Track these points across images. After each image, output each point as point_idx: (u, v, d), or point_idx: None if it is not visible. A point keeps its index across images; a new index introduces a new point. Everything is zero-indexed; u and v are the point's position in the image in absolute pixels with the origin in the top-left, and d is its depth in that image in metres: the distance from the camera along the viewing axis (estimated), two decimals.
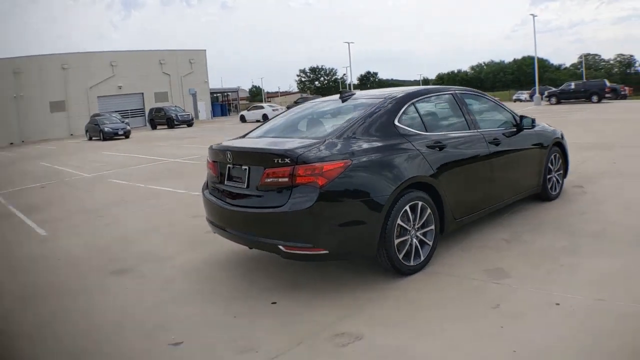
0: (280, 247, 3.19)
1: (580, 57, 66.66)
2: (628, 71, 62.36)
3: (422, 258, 3.53)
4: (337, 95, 4.39)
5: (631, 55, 65.38)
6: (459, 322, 2.78)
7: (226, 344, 2.78)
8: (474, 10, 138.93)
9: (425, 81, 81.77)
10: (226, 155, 3.64)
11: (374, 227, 3.23)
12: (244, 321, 3.06)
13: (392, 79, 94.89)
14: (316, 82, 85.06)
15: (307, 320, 2.98)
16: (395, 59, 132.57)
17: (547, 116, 16.57)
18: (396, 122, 3.65)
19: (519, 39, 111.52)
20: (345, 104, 4.16)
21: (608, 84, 30.77)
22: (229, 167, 3.66)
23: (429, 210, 3.53)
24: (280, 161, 3.20)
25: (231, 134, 8.04)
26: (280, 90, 76.64)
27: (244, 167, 3.50)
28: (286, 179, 3.17)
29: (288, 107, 22.39)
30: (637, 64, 64.25)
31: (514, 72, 70.66)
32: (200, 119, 41.40)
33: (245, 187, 3.47)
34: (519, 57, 74.96)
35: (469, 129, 4.16)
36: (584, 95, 29.00)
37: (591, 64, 63.46)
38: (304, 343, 2.71)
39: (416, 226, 3.48)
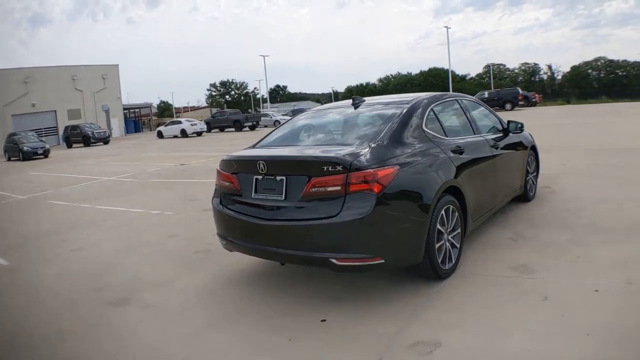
0: (333, 260, 3.03)
1: (486, 66, 71.68)
2: (533, 79, 66.50)
3: (454, 261, 3.59)
4: (348, 102, 4.35)
5: (535, 64, 70.92)
6: (521, 317, 2.85)
7: None
8: (378, 23, 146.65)
9: (336, 94, 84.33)
10: (257, 165, 3.38)
11: (422, 233, 3.22)
12: (303, 344, 2.84)
13: (300, 92, 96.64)
14: (227, 96, 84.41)
15: (369, 333, 2.85)
16: (303, 72, 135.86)
17: None
18: (424, 127, 3.69)
19: (424, 50, 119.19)
20: (361, 110, 4.12)
21: (521, 92, 34.08)
22: (257, 179, 3.42)
23: (457, 214, 3.61)
24: (330, 169, 3.05)
25: (153, 149, 7.62)
26: (190, 105, 75.22)
27: (278, 177, 3.30)
28: (338, 188, 3.03)
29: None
30: (541, 72, 70.01)
31: (421, 83, 74.62)
32: (114, 136, 38.89)
33: (282, 198, 3.26)
34: (425, 68, 79.71)
35: (474, 134, 4.34)
36: (497, 104, 30.94)
37: (496, 74, 68.60)
38: (384, 358, 2.60)
39: (448, 230, 3.53)
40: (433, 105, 3.99)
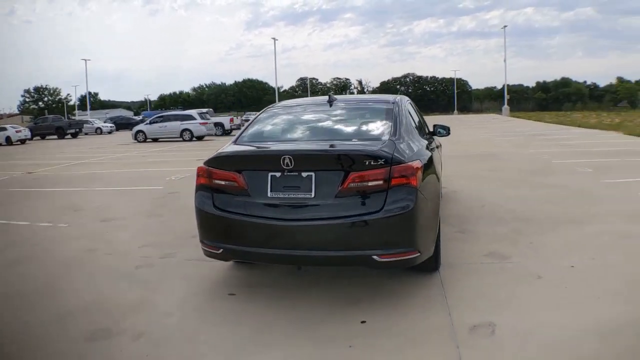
0: (375, 257, 2.93)
1: (299, 79, 76.50)
2: (344, 93, 71.32)
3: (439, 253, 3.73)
4: (322, 98, 4.24)
5: (347, 78, 77.70)
6: (537, 293, 3.22)
7: None
8: (191, 32, 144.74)
9: (149, 102, 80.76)
10: (281, 160, 3.02)
11: (437, 225, 3.36)
12: (368, 348, 2.66)
13: (111, 100, 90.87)
14: (40, 103, 74.50)
15: (425, 328, 2.85)
16: (114, 79, 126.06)
17: None
18: (414, 125, 3.87)
19: (235, 61, 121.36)
20: (344, 106, 4.08)
21: None
22: (273, 176, 3.08)
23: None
24: (372, 163, 2.96)
25: None
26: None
27: (305, 173, 3.03)
28: (380, 182, 2.95)
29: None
30: (352, 87, 76.64)
31: (235, 94, 75.83)
32: None
33: (312, 196, 3.01)
34: (237, 79, 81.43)
35: (423, 133, 4.53)
36: None
37: (309, 87, 73.30)
38: (461, 345, 2.62)
39: None
40: (408, 105, 4.21)
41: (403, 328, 2.85)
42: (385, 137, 3.34)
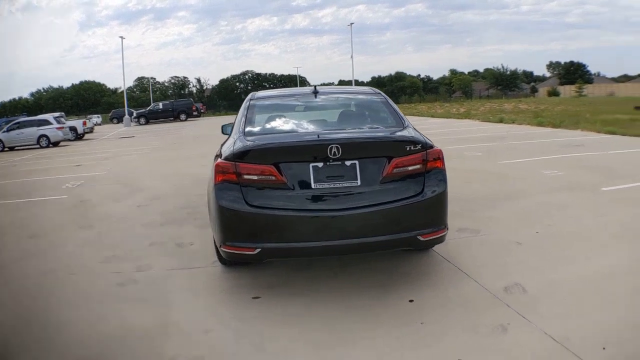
0: (419, 237, 3.10)
1: (137, 79, 71.68)
2: (182, 92, 68.05)
3: None
4: (306, 90, 4.23)
5: (185, 77, 74.56)
6: (533, 256, 3.74)
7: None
8: (27, 35, 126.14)
9: None
10: (329, 149, 2.97)
11: None
12: (439, 323, 2.80)
13: None
14: None
15: (461, 298, 3.11)
16: None
17: (153, 133, 19.16)
18: None
19: (70, 64, 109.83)
20: (332, 97, 4.13)
21: (194, 102, 36.81)
22: (315, 167, 3.01)
23: None
24: (412, 148, 3.11)
25: None
26: None
27: (348, 162, 3.03)
28: (419, 166, 3.12)
29: None
30: (191, 85, 73.70)
31: (72, 97, 69.79)
32: None
33: (358, 184, 3.03)
34: (77, 81, 74.33)
35: None
36: (172, 114, 33.35)
37: (147, 87, 69.40)
38: (509, 304, 2.94)
39: None
40: None
41: (447, 300, 3.07)
42: (403, 125, 3.51)
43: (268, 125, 3.64)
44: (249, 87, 66.39)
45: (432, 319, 2.83)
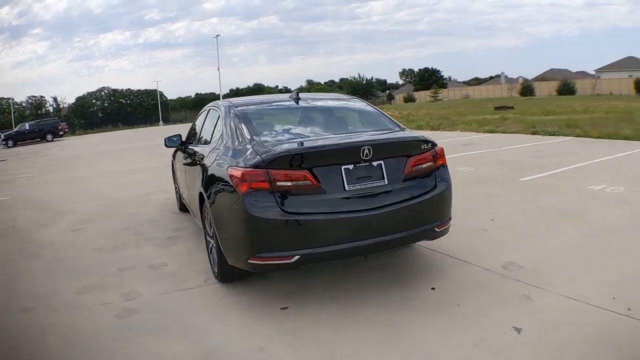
0: (435, 229, 3.34)
1: None
2: (40, 111, 61.63)
3: None
4: (286, 96, 4.22)
5: (42, 96, 67.20)
6: (511, 237, 4.25)
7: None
8: None
9: None
10: (361, 151, 3.03)
11: None
12: (470, 304, 3.08)
13: None
14: None
15: (469, 279, 3.43)
16: None
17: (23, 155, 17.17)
18: None
19: None
20: (319, 103, 4.18)
21: (59, 122, 33.77)
22: (346, 169, 3.05)
23: None
24: (425, 147, 3.34)
25: None
26: None
27: (375, 162, 3.13)
28: (431, 163, 3.36)
29: None
30: (47, 104, 66.82)
31: None
32: None
33: (386, 183, 3.15)
34: None
35: None
36: (39, 135, 31.16)
37: (5, 107, 61.72)
38: (512, 277, 3.34)
39: None
40: None
41: (463, 284, 3.35)
42: (400, 127, 3.72)
43: (277, 132, 3.55)
44: (106, 104, 62.29)
45: (464, 301, 3.08)
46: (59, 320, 3.11)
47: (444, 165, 3.51)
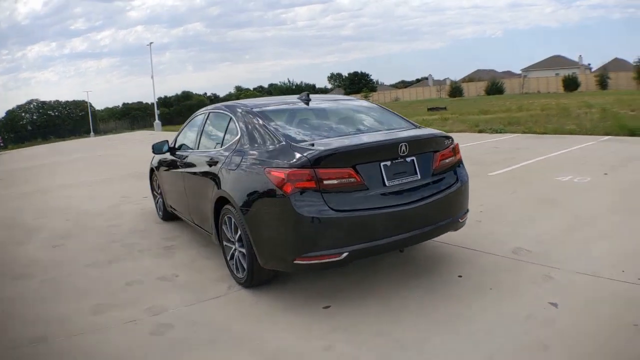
0: (459, 220, 3.54)
1: None
2: None
3: None
4: (293, 97, 4.24)
5: None
6: (506, 228, 4.54)
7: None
8: None
9: None
10: (399, 148, 3.15)
11: None
12: (506, 286, 3.29)
13: None
14: None
15: (487, 264, 3.67)
16: None
17: None
18: None
19: None
20: (333, 104, 4.21)
21: None
22: (385, 165, 3.15)
23: None
24: (447, 142, 3.51)
25: None
26: None
27: (408, 158, 3.25)
28: (452, 158, 3.56)
29: None
30: None
31: None
32: None
33: (419, 178, 3.28)
34: None
35: None
36: None
37: None
38: (524, 260, 3.60)
39: None
40: None
41: (485, 270, 3.57)
42: (416, 125, 3.87)
43: (304, 132, 3.53)
44: (35, 117, 58.88)
45: (493, 285, 3.29)
46: (88, 345, 2.88)
47: (461, 160, 3.71)
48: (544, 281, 3.27)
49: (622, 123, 9.96)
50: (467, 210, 3.69)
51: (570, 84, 43.94)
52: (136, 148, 19.17)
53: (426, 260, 3.87)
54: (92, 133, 47.10)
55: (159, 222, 5.81)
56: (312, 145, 3.14)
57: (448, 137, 3.57)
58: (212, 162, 3.87)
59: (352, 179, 3.01)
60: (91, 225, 5.96)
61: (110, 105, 70.56)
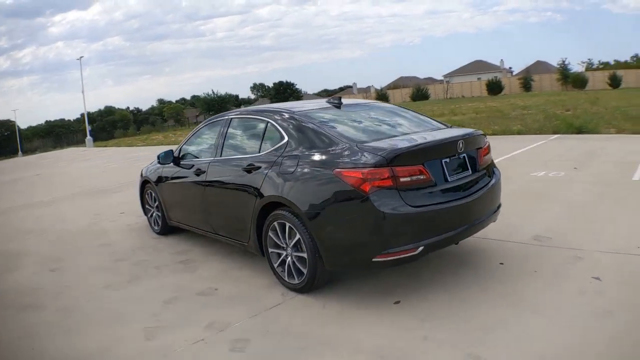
0: (496, 213, 3.79)
1: None
2: None
3: None
4: (322, 101, 4.26)
5: None
6: (515, 218, 4.86)
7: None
8: None
9: None
10: (457, 145, 3.36)
11: None
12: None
13: None
14: None
15: (515, 254, 3.97)
16: None
17: None
18: None
19: None
20: (356, 107, 4.25)
21: None
22: (445, 162, 3.32)
23: None
24: (486, 140, 3.78)
25: None
26: None
27: (462, 155, 3.46)
28: (489, 154, 3.83)
29: None
30: None
31: None
32: None
33: (470, 172, 3.50)
34: None
35: None
36: None
37: None
38: (544, 244, 3.93)
39: None
40: None
41: (517, 256, 3.85)
42: (447, 125, 4.06)
43: (358, 133, 3.55)
44: None
45: (535, 267, 3.59)
46: None
47: (491, 157, 3.95)
48: (576, 261, 3.63)
49: (568, 122, 11.01)
50: (501, 204, 3.93)
51: (494, 88, 46.04)
52: (76, 165, 17.79)
53: (462, 254, 4.07)
54: (20, 153, 43.52)
55: (156, 237, 5.49)
56: (381, 145, 3.22)
57: (485, 136, 3.81)
58: (251, 168, 3.77)
59: (423, 176, 3.14)
60: (80, 245, 5.48)
61: (34, 124, 67.39)
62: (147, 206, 5.76)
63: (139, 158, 16.05)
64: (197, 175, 4.47)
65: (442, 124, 4.10)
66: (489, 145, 3.84)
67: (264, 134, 3.88)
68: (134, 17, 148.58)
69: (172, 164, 4.99)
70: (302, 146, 3.50)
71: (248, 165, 3.82)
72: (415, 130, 3.79)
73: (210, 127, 4.74)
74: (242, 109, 4.88)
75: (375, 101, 5.02)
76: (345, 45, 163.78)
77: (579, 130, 10.44)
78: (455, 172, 3.39)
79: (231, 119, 4.39)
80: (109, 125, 59.92)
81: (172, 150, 5.03)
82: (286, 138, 3.63)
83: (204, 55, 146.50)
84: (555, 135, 10.65)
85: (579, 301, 3.01)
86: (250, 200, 3.72)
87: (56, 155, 26.68)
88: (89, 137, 33.55)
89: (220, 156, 4.29)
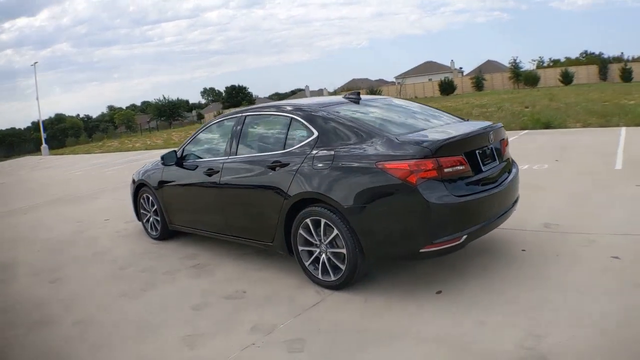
0: (516, 201, 3.90)
1: None
2: None
3: None
4: (339, 98, 4.22)
5: None
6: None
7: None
8: None
9: None
10: (489, 136, 3.47)
11: None
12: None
13: None
14: None
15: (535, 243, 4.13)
16: None
17: None
18: None
19: None
20: (375, 102, 4.23)
21: None
22: (479, 152, 3.41)
23: None
24: (504, 132, 3.89)
25: None
26: None
27: (491, 146, 3.56)
28: (507, 146, 3.94)
29: None
30: None
31: None
32: None
33: (497, 163, 3.61)
34: None
35: None
36: None
37: None
38: (565, 233, 4.12)
39: None
40: None
41: (533, 242, 4.00)
42: (463, 118, 4.15)
43: (391, 126, 3.57)
44: None
45: (556, 252, 3.75)
46: None
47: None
48: (590, 244, 3.84)
49: (535, 118, 11.56)
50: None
51: (447, 88, 46.64)
52: (39, 173, 16.72)
53: (481, 245, 4.12)
54: None
55: (156, 243, 5.23)
56: (422, 137, 3.27)
57: (504, 128, 3.92)
58: (276, 165, 3.67)
59: (463, 166, 3.21)
60: (73, 254, 5.13)
61: None
62: (142, 211, 5.48)
63: (100, 164, 15.24)
64: (209, 175, 4.30)
65: (461, 118, 4.18)
66: (507, 138, 3.97)
67: (288, 130, 3.79)
68: (82, 23, 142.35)
69: (174, 165, 4.78)
70: (336, 141, 3.45)
71: (273, 163, 3.72)
72: (442, 122, 3.86)
73: (220, 126, 4.58)
74: (255, 105, 4.75)
75: (387, 97, 5.04)
76: (295, 49, 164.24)
77: (547, 126, 11.00)
78: (487, 162, 3.48)
79: (245, 116, 4.26)
80: (60, 133, 57.25)
81: (175, 151, 4.82)
82: (316, 133, 3.57)
83: (152, 60, 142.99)
84: (525, 131, 11.16)
85: (606, 277, 3.20)
86: (276, 199, 3.63)
87: (13, 164, 25.06)
88: (44, 145, 31.83)
89: (236, 155, 4.16)
